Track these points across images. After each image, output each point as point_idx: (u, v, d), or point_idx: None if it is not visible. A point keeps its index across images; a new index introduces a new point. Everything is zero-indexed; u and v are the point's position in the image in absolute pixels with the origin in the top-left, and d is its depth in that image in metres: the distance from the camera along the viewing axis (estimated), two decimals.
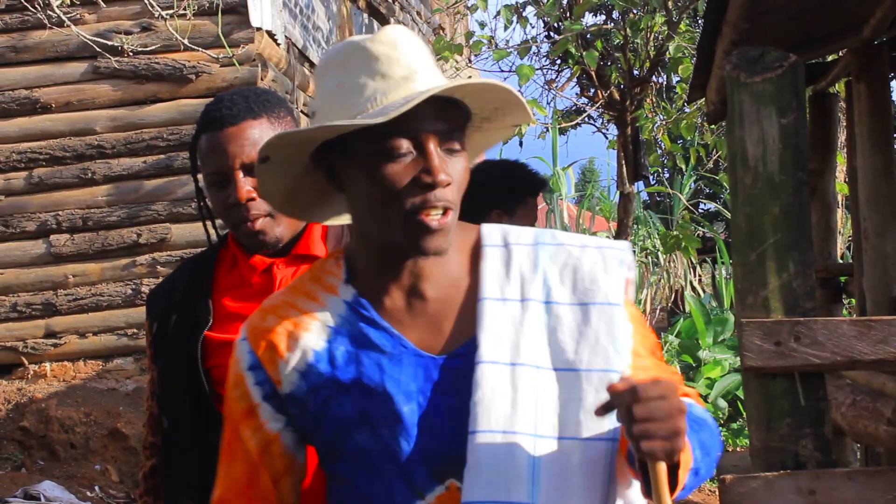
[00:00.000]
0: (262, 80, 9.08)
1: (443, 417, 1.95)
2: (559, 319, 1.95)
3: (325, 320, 2.01)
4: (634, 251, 9.74)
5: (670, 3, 11.57)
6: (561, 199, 16.59)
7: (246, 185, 2.64)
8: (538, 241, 2.01)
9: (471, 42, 12.57)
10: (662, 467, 1.77)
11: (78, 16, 8.87)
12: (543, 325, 1.95)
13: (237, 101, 2.71)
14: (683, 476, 1.84)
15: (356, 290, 2.01)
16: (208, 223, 2.85)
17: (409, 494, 1.96)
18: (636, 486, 1.92)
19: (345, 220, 2.11)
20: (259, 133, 2.66)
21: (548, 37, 12.78)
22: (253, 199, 2.64)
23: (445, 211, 1.90)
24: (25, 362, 9.02)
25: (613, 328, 1.95)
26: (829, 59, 10.13)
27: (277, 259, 2.75)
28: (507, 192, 3.88)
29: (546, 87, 13.38)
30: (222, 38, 8.85)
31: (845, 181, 13.03)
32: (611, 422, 1.87)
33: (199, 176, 2.81)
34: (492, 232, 2.03)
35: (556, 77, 13.94)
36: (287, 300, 2.07)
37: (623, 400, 1.74)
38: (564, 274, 1.97)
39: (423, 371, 1.97)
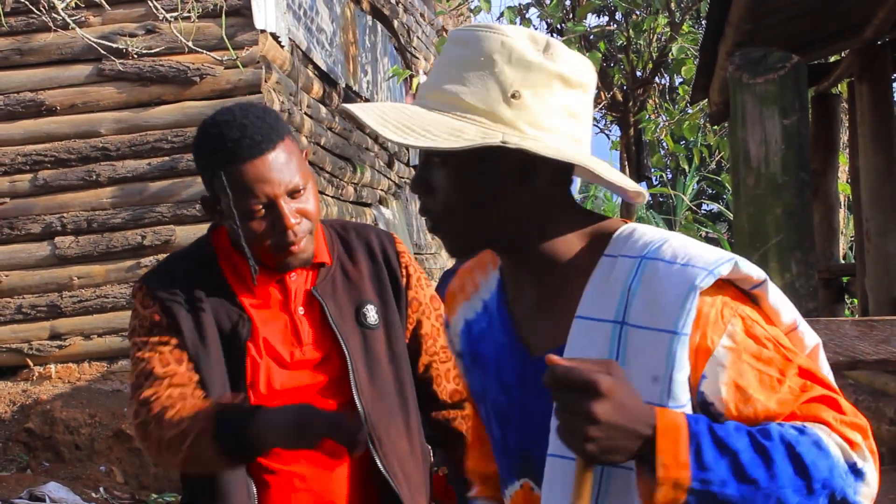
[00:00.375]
0: (265, 82, 9.09)
1: (528, 417, 1.94)
2: (628, 344, 1.84)
3: (482, 294, 2.07)
4: None
5: (673, 5, 11.59)
6: None
7: (291, 209, 2.66)
8: (644, 255, 1.85)
9: None
10: (579, 464, 1.73)
11: (82, 18, 8.87)
12: (615, 347, 1.85)
13: (258, 125, 2.67)
14: (666, 493, 1.68)
15: (500, 274, 2.05)
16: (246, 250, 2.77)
17: (503, 477, 2.05)
18: None
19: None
20: (287, 155, 2.68)
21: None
22: (299, 223, 2.67)
23: None
24: (30, 364, 9.02)
25: (669, 360, 1.78)
26: (832, 59, 10.14)
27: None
28: None
29: None
30: (226, 41, 8.86)
31: (848, 181, 13.03)
32: None
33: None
34: (617, 239, 1.90)
35: None
36: (470, 267, 2.14)
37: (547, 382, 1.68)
38: (646, 293, 1.82)
39: (520, 366, 1.97)
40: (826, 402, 1.75)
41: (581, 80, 1.87)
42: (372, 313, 2.81)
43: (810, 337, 1.86)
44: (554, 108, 1.85)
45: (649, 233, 1.89)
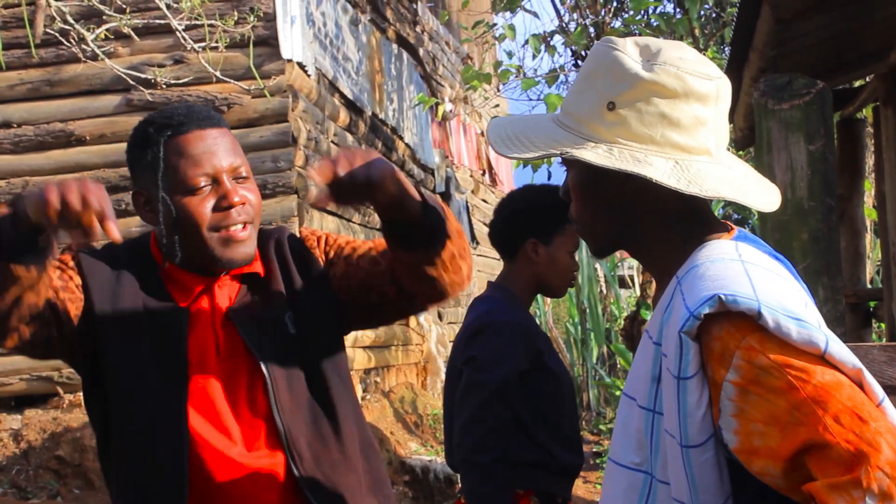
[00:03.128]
0: (292, 110, 9.12)
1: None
2: (662, 369, 1.84)
3: None
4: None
5: (697, 31, 11.58)
6: None
7: (236, 188, 2.58)
8: (680, 279, 1.85)
9: (499, 71, 12.60)
10: None
11: (111, 49, 8.93)
12: (657, 367, 1.86)
13: (203, 109, 2.66)
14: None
15: None
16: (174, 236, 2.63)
17: None
18: None
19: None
20: (232, 140, 2.63)
21: (576, 65, 12.78)
22: (243, 205, 2.59)
23: None
24: (60, 392, 9.05)
25: (679, 403, 1.77)
26: (856, 84, 10.11)
27: (219, 278, 2.67)
28: (543, 220, 3.70)
29: None
30: (254, 70, 8.89)
31: (874, 206, 12.98)
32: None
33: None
34: (688, 260, 1.89)
35: None
36: None
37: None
38: (668, 323, 1.83)
39: None
40: (822, 449, 1.65)
41: (689, 89, 1.86)
42: (290, 323, 2.66)
43: (848, 361, 1.71)
44: (652, 118, 1.85)
45: (706, 252, 1.87)
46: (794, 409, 1.67)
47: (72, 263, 2.68)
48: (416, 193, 2.41)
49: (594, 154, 1.84)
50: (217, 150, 2.57)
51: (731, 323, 1.73)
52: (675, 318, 1.78)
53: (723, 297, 1.72)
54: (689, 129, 1.86)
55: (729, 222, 1.99)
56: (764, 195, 1.93)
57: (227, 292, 2.67)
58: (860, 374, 1.72)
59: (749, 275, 1.78)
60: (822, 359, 1.71)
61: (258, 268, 2.66)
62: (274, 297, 2.67)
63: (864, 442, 1.62)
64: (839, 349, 1.72)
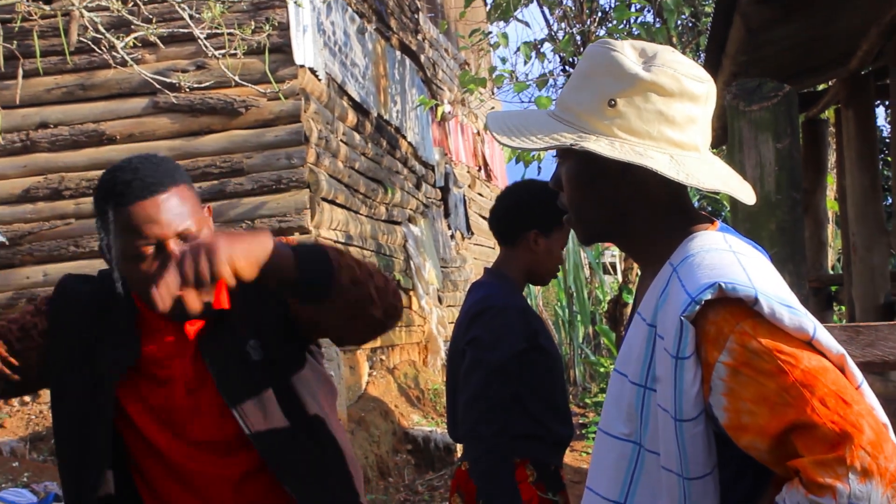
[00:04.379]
0: (304, 112, 9.12)
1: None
2: (655, 349, 1.84)
3: None
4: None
5: (675, 39, 11.57)
6: None
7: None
8: (675, 267, 1.85)
9: (494, 76, 12.60)
10: None
11: (139, 56, 8.93)
12: (650, 347, 1.85)
13: (150, 171, 2.47)
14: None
15: None
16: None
17: None
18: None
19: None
20: (180, 200, 2.46)
21: (564, 70, 12.77)
22: None
23: None
24: None
25: (675, 380, 1.77)
26: (820, 88, 10.11)
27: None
28: (544, 213, 3.66)
29: None
30: (269, 75, 8.90)
31: (835, 199, 12.98)
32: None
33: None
34: (681, 244, 1.89)
35: None
36: None
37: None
38: (665, 307, 1.82)
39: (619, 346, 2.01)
40: (808, 428, 1.65)
41: (684, 89, 1.85)
42: (255, 350, 2.54)
43: (833, 347, 1.73)
44: (649, 115, 1.84)
45: (698, 242, 1.87)
46: (783, 391, 1.67)
47: (44, 308, 2.67)
48: (280, 261, 2.21)
49: (598, 145, 1.83)
50: (160, 219, 2.42)
51: (727, 309, 1.73)
52: (675, 303, 1.77)
53: (723, 284, 1.72)
54: (682, 126, 1.86)
55: (709, 215, 1.98)
56: (745, 189, 1.93)
57: (195, 327, 2.56)
58: (843, 359, 1.73)
59: (742, 264, 1.78)
60: (810, 344, 1.71)
61: (224, 303, 2.33)
62: (239, 326, 2.55)
63: (848, 423, 1.63)
64: (825, 336, 1.73)
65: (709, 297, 1.73)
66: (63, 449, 2.62)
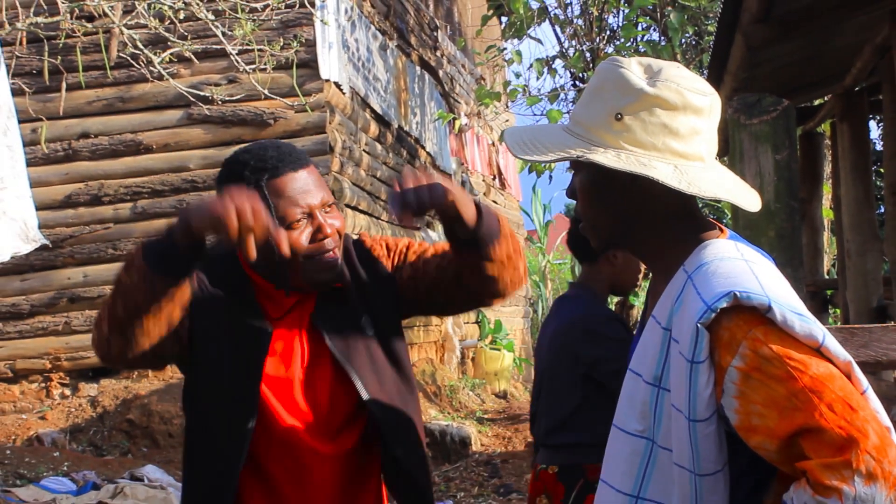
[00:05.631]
0: (329, 123, 9.13)
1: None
2: (670, 352, 1.83)
3: None
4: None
5: (679, 56, 11.56)
6: None
7: (328, 221, 2.48)
8: (690, 274, 1.83)
9: (508, 90, 12.61)
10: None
11: (175, 71, 8.96)
12: (664, 351, 1.85)
13: (290, 149, 2.53)
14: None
15: None
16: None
17: None
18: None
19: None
20: (317, 175, 2.53)
21: (574, 85, 12.76)
22: (334, 234, 2.49)
23: None
24: None
25: (689, 382, 1.76)
26: (817, 103, 10.08)
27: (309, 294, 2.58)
28: None
29: None
30: (297, 89, 8.92)
31: (831, 208, 12.94)
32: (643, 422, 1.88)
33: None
34: (692, 256, 1.88)
35: None
36: None
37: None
38: (681, 312, 1.81)
39: (634, 343, 2.00)
40: (816, 432, 1.64)
41: (687, 103, 1.84)
42: (368, 324, 2.58)
43: (840, 354, 1.71)
44: (654, 127, 1.83)
45: (712, 250, 1.85)
46: (793, 396, 1.66)
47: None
48: (470, 205, 2.37)
49: (605, 157, 1.82)
50: (310, 189, 2.47)
51: (740, 316, 1.72)
52: (691, 310, 1.76)
53: (738, 293, 1.71)
54: (686, 137, 1.85)
55: (718, 223, 1.97)
56: (749, 197, 1.92)
57: (309, 303, 2.58)
58: (849, 366, 1.72)
59: (754, 273, 1.77)
60: (818, 351, 1.70)
61: (345, 279, 2.55)
62: (351, 304, 2.58)
63: (855, 428, 1.62)
64: (833, 343, 1.71)
65: (724, 305, 1.71)
66: (203, 420, 2.54)
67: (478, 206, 2.42)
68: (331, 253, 2.48)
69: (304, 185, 2.47)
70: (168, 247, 2.21)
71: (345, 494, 2.57)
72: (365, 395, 2.51)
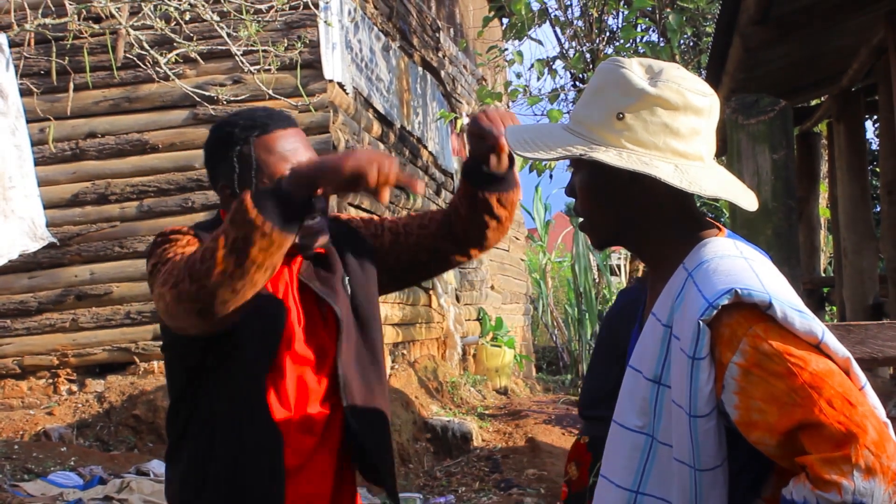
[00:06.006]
0: (333, 123, 9.13)
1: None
2: (671, 349, 1.83)
3: None
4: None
5: (678, 58, 11.56)
6: None
7: None
8: (690, 272, 1.84)
9: (509, 90, 12.60)
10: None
11: (180, 71, 8.96)
12: (665, 348, 1.85)
13: (279, 110, 2.55)
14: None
15: None
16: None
17: None
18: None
19: None
20: (305, 137, 2.54)
21: (574, 86, 12.77)
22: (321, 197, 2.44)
23: None
24: (137, 361, 9.09)
25: (690, 378, 1.76)
26: (813, 103, 10.08)
27: (295, 257, 2.58)
28: None
29: None
30: (301, 89, 8.92)
31: (828, 207, 12.94)
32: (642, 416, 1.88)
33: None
34: (692, 254, 1.89)
35: None
36: None
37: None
38: (682, 310, 1.81)
39: (634, 338, 2.01)
40: (816, 427, 1.65)
41: (688, 103, 1.84)
42: (347, 286, 2.59)
43: (839, 351, 1.72)
44: (655, 127, 1.84)
45: (711, 248, 1.86)
46: (792, 391, 1.67)
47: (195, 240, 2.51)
48: (508, 153, 2.60)
49: (607, 156, 1.82)
50: (299, 147, 2.49)
51: (741, 312, 1.72)
52: (693, 307, 1.76)
53: (739, 290, 1.72)
54: (686, 137, 1.85)
55: (716, 222, 1.98)
56: (747, 196, 1.93)
57: (295, 266, 2.58)
58: (848, 362, 1.72)
59: (754, 270, 1.78)
60: (818, 347, 1.71)
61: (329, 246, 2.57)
62: (332, 267, 2.59)
63: (853, 423, 1.62)
64: (832, 340, 1.72)
65: (725, 302, 1.72)
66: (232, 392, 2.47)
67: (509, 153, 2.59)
68: (319, 217, 2.48)
69: (293, 144, 2.48)
70: (286, 202, 2.18)
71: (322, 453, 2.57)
72: (340, 351, 2.53)
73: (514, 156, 2.55)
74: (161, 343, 2.65)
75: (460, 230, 2.69)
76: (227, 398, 2.47)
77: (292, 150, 2.48)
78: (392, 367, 10.80)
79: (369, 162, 2.17)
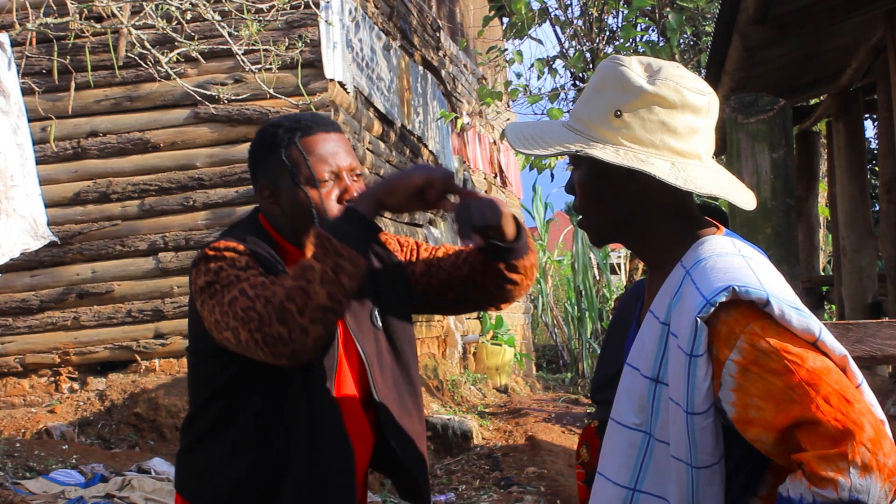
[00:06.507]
0: None
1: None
2: (668, 346, 1.83)
3: None
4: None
5: (677, 57, 11.56)
6: None
7: (354, 185, 2.49)
8: (688, 269, 1.83)
9: (509, 90, 12.60)
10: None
11: (182, 70, 8.95)
12: (662, 345, 1.85)
13: (324, 115, 2.58)
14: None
15: None
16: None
17: None
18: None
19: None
20: (348, 143, 2.56)
21: (574, 85, 12.76)
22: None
23: None
24: (138, 359, 9.09)
25: (687, 375, 1.76)
26: (813, 102, 10.08)
27: None
28: None
29: None
30: (301, 88, 8.91)
31: (826, 205, 12.94)
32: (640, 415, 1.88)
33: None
34: (690, 252, 1.88)
35: None
36: None
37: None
38: (680, 307, 1.81)
39: (630, 337, 2.01)
40: (813, 425, 1.65)
41: (686, 102, 1.84)
42: (377, 315, 2.57)
43: (836, 348, 1.72)
44: (653, 125, 1.84)
45: (709, 246, 1.85)
46: (790, 388, 1.66)
47: (253, 263, 2.42)
48: (512, 220, 2.47)
49: (604, 153, 1.82)
50: (340, 151, 2.49)
51: (738, 310, 1.72)
52: (690, 304, 1.76)
53: (736, 288, 1.71)
54: (684, 135, 1.85)
55: (714, 220, 1.97)
56: (745, 195, 1.92)
57: None
58: (845, 360, 1.72)
59: (752, 268, 1.78)
60: (815, 345, 1.70)
61: None
62: (364, 298, 2.56)
63: (850, 421, 1.62)
64: (829, 338, 1.72)
65: (723, 299, 1.72)
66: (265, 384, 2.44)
67: (515, 219, 2.49)
68: None
69: (334, 147, 2.50)
70: (359, 227, 2.25)
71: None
72: (374, 392, 2.51)
73: (520, 224, 2.53)
74: (189, 346, 2.59)
75: (489, 286, 2.65)
76: (293, 402, 2.43)
77: (332, 153, 2.49)
78: None
79: (433, 171, 2.28)
